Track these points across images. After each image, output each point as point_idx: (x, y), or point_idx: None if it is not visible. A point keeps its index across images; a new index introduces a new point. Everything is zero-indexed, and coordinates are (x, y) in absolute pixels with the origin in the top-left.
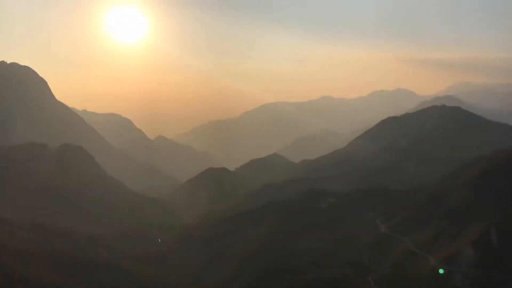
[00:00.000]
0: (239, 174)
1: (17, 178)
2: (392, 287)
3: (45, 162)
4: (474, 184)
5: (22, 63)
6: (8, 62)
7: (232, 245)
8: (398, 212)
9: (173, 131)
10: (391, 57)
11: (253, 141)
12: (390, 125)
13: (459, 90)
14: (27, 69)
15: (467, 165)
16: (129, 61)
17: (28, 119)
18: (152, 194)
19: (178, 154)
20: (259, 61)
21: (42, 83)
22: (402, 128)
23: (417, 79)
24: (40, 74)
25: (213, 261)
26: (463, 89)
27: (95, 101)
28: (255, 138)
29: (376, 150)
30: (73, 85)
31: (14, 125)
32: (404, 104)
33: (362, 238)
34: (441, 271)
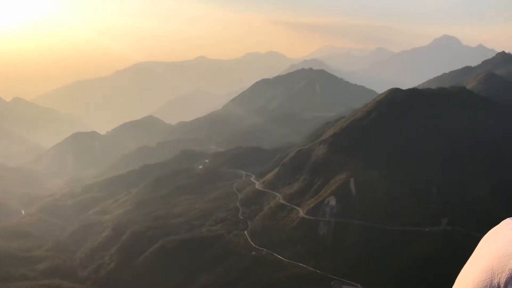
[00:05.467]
0: (111, 138)
1: None
2: (265, 239)
3: None
4: (334, 141)
5: None
6: None
7: (105, 211)
8: (269, 169)
9: (33, 92)
10: (264, 19)
11: (126, 102)
12: (262, 87)
13: (323, 54)
14: None
15: (329, 124)
16: None
17: None
18: (11, 162)
19: (39, 117)
20: (128, 18)
21: None
22: (274, 90)
23: (288, 42)
24: None
25: (85, 229)
26: (327, 53)
27: None
28: (128, 99)
29: (250, 112)
30: None
31: None
32: (276, 66)
33: (236, 196)
34: None
